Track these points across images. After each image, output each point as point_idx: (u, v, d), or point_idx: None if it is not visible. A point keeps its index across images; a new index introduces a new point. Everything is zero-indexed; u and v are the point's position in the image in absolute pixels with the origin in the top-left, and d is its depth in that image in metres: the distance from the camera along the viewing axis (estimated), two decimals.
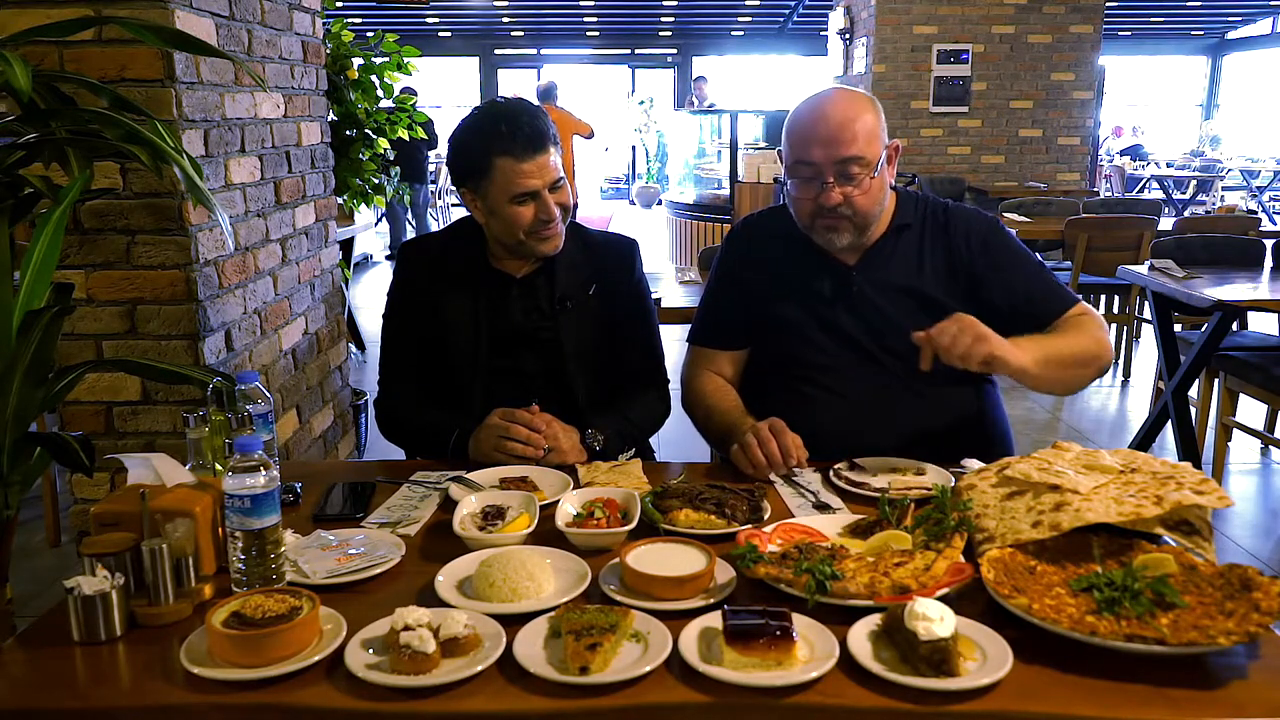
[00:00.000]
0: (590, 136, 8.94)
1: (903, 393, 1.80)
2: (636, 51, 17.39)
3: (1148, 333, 5.84)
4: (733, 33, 16.96)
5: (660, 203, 9.83)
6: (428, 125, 4.62)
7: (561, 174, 1.81)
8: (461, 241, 1.94)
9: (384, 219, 10.02)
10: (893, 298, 1.82)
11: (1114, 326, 5.68)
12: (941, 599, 1.13)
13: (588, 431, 1.78)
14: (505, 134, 1.74)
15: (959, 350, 1.54)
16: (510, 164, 1.75)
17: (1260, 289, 3.55)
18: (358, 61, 4.03)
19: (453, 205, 12.64)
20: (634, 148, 16.61)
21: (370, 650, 1.08)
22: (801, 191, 1.78)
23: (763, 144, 8.79)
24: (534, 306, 1.91)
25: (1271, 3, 14.28)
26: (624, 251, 2.01)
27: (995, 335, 1.57)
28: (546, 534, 1.38)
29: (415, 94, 6.59)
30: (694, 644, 1.08)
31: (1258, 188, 13.17)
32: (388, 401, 1.98)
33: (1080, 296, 1.90)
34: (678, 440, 3.88)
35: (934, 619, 1.03)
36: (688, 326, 2.06)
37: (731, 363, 1.97)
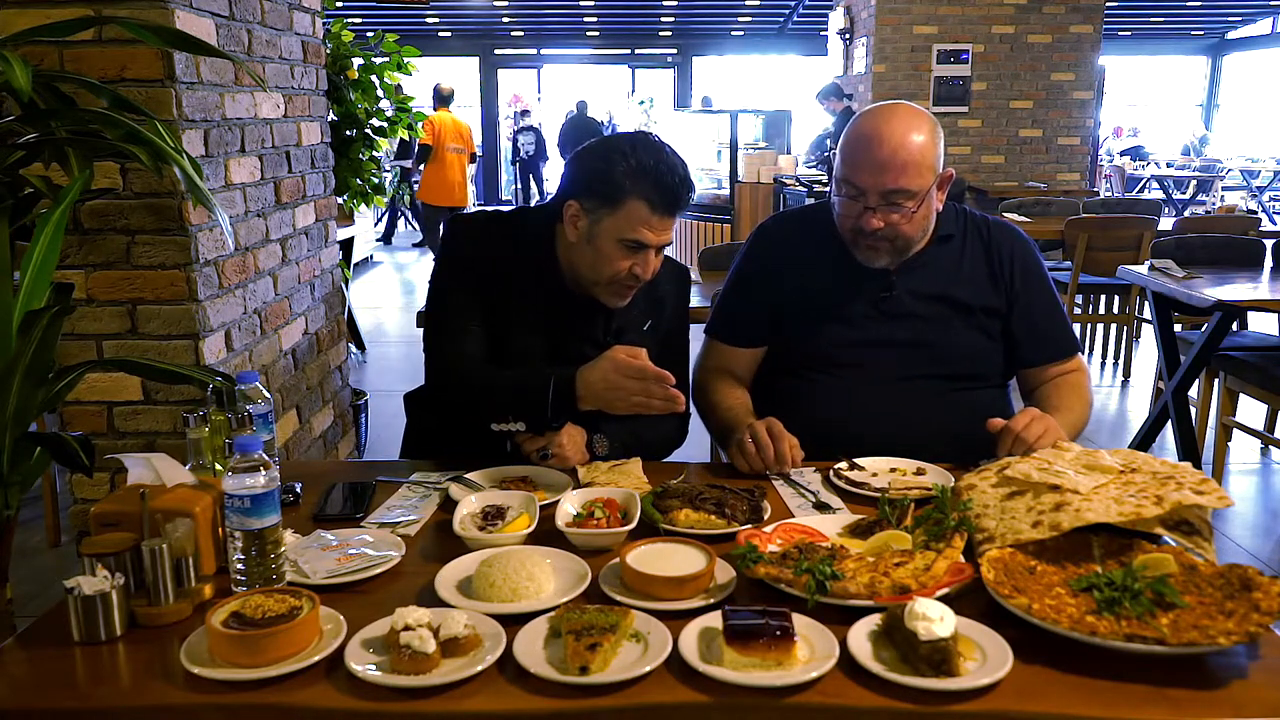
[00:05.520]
0: (473, 158, 8.79)
1: (924, 392, 1.81)
2: (636, 51, 17.39)
3: (1148, 333, 5.84)
4: (732, 33, 16.96)
5: None
6: None
7: (669, 242, 1.75)
8: (529, 241, 1.81)
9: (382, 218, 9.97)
10: (929, 304, 1.84)
11: (1114, 326, 5.69)
12: (941, 599, 1.13)
13: (595, 436, 1.76)
14: (655, 181, 1.66)
15: (1038, 447, 1.57)
16: (644, 210, 1.66)
17: (1260, 289, 3.55)
18: (358, 61, 4.02)
19: None
20: None
21: (370, 650, 1.08)
22: (845, 209, 1.78)
23: (762, 144, 8.80)
24: (588, 336, 1.82)
25: (1271, 3, 14.28)
26: (681, 284, 1.96)
27: (1060, 430, 1.61)
28: (546, 534, 1.38)
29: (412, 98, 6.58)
30: (694, 644, 1.08)
31: (1258, 188, 13.19)
32: (458, 359, 1.78)
33: (1080, 347, 1.94)
34: None
35: (934, 619, 1.03)
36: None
37: (749, 360, 1.96)
